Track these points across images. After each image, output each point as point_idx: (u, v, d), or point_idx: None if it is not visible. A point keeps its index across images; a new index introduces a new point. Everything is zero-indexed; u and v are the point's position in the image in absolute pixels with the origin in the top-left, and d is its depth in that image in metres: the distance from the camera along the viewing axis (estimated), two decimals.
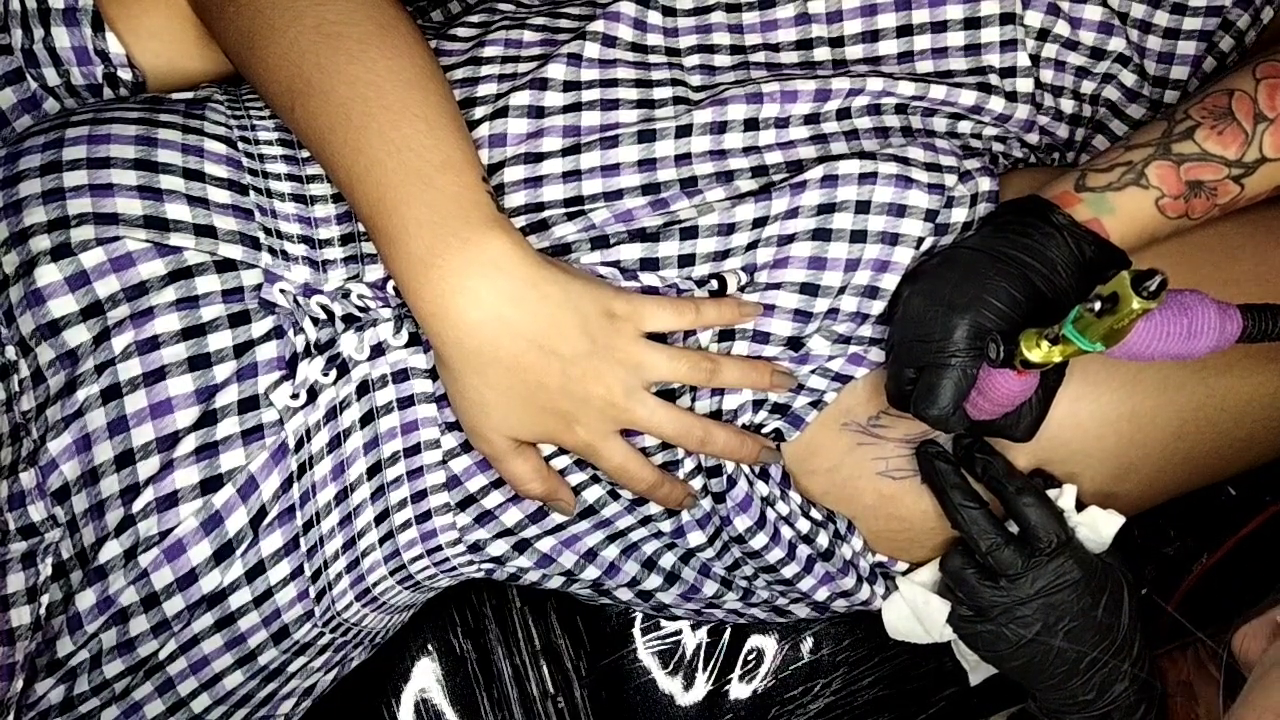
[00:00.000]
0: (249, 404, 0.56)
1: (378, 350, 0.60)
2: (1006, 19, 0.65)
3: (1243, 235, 0.65)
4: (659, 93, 0.64)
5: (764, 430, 0.64)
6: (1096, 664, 0.62)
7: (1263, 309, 0.53)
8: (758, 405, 0.63)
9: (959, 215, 0.63)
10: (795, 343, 0.63)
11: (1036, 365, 0.53)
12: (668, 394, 0.61)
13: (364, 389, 0.60)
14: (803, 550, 0.65)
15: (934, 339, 0.57)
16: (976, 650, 0.66)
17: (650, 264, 0.62)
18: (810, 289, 0.62)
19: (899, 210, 0.62)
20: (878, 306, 0.63)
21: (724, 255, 0.62)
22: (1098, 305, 0.50)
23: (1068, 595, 0.62)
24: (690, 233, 0.62)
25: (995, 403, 0.57)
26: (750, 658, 0.83)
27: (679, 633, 0.83)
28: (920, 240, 0.62)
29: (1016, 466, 0.64)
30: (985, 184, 0.64)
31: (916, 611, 0.67)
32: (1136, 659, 0.63)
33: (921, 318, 0.59)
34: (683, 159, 0.63)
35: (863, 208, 0.62)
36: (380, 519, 0.62)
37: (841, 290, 0.63)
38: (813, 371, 0.64)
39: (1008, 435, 0.60)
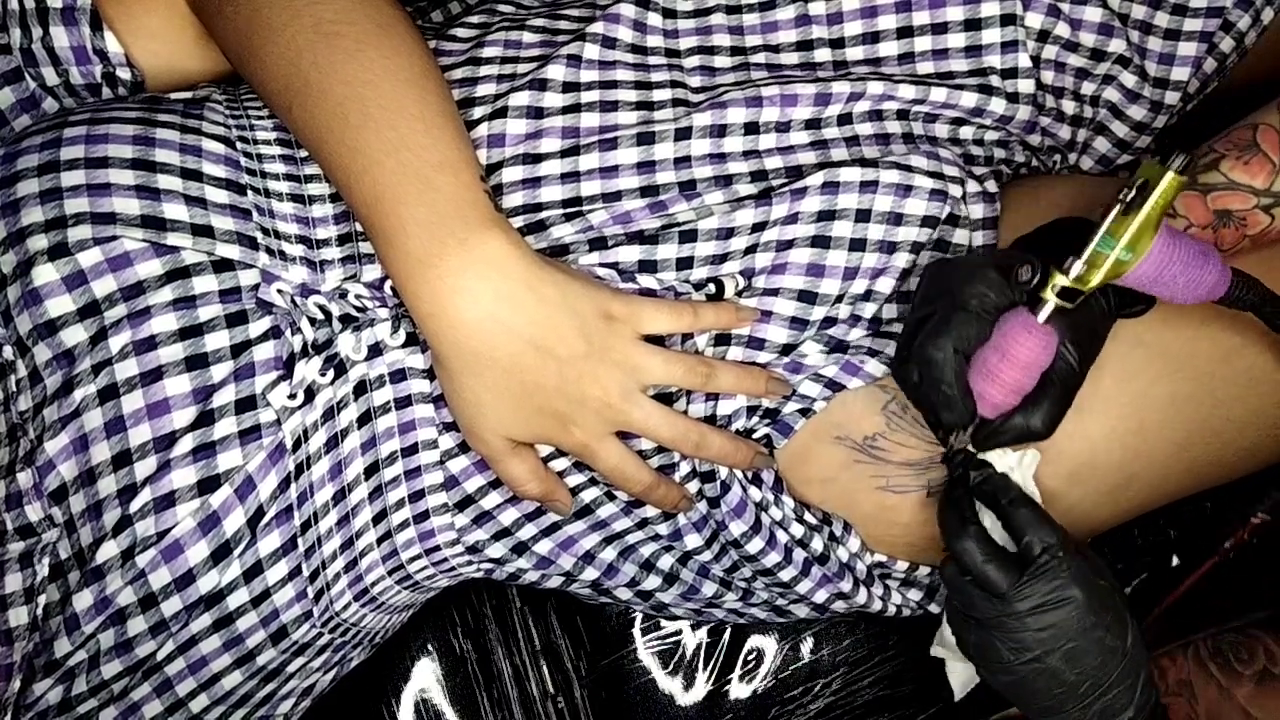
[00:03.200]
0: (246, 404, 0.56)
1: (375, 350, 0.60)
2: (1007, 20, 0.65)
3: None
4: (658, 95, 0.64)
5: (754, 436, 0.64)
6: (1098, 688, 0.58)
7: (1249, 278, 0.55)
8: (751, 411, 0.63)
9: (960, 237, 0.64)
10: (789, 349, 0.63)
11: (1068, 293, 0.53)
12: (664, 397, 0.61)
13: (361, 389, 0.60)
14: (799, 554, 0.65)
15: (956, 278, 0.55)
16: (970, 657, 0.64)
17: (648, 266, 0.62)
18: (808, 296, 0.62)
19: (897, 219, 0.62)
20: (870, 309, 0.63)
21: (722, 259, 0.62)
22: (1130, 194, 0.52)
23: (1066, 614, 0.58)
24: (689, 236, 0.62)
25: (1013, 363, 0.54)
26: (750, 658, 0.83)
27: (679, 633, 0.83)
28: (920, 246, 0.62)
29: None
30: (978, 211, 0.64)
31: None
32: (1144, 687, 0.59)
33: (941, 273, 0.57)
34: (682, 162, 0.62)
35: (863, 216, 0.62)
36: (378, 519, 0.61)
37: (839, 299, 0.62)
38: (805, 378, 0.63)
39: (1028, 432, 0.56)
